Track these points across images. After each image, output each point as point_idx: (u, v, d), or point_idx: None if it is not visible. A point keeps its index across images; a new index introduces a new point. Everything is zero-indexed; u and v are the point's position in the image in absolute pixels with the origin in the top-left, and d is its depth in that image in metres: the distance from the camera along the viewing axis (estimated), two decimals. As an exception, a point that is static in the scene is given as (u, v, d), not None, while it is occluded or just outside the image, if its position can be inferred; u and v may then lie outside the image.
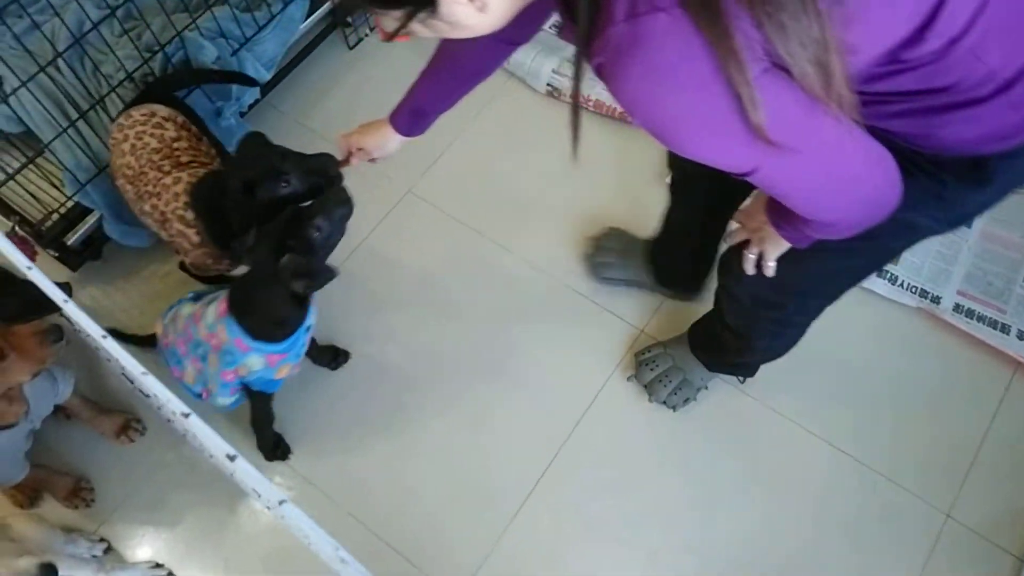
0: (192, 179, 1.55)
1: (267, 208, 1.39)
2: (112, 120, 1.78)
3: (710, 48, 0.70)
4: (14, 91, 1.69)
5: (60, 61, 1.79)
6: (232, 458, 0.69)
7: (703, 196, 1.52)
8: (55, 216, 1.83)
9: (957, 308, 1.82)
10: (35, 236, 1.80)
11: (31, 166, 1.80)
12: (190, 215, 1.53)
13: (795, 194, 0.90)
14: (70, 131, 1.76)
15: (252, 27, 1.97)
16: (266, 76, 2.04)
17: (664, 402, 1.74)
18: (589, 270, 1.92)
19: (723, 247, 1.50)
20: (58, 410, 1.70)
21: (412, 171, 2.11)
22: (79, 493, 1.73)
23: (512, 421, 1.78)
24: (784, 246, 1.13)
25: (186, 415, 0.73)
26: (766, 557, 1.61)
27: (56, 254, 1.87)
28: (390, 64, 2.29)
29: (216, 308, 1.43)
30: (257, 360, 1.43)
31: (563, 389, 1.80)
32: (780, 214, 1.06)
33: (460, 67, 1.33)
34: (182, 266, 1.79)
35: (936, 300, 1.83)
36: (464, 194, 2.08)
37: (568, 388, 1.81)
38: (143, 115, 1.63)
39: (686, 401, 1.74)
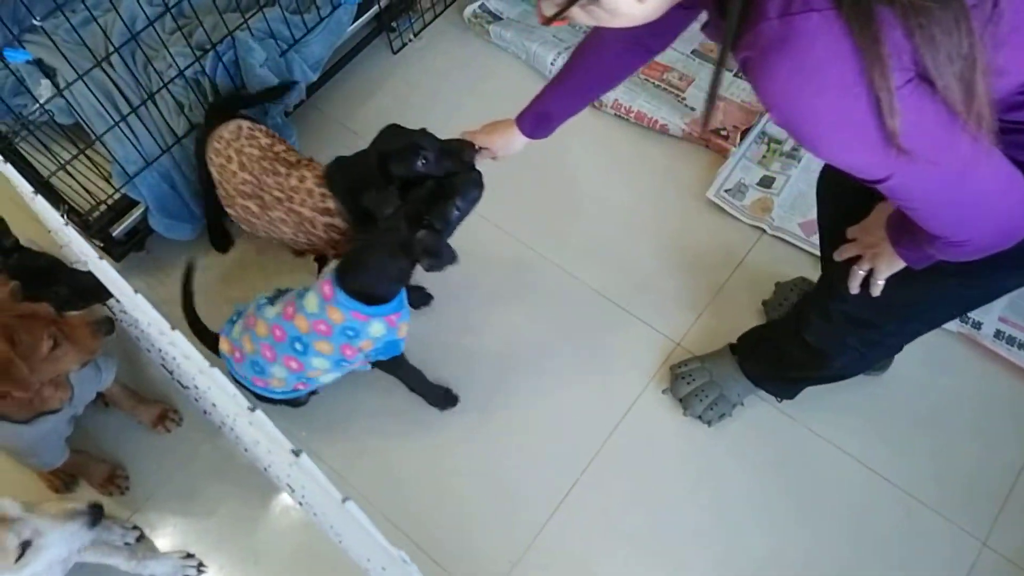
0: (315, 172, 1.59)
1: (402, 184, 1.46)
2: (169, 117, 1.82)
3: (858, 52, 0.72)
4: (69, 85, 1.73)
5: (114, 55, 1.83)
6: (297, 453, 0.69)
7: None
8: (102, 207, 1.86)
9: (998, 335, 1.79)
10: (82, 226, 1.83)
11: (81, 157, 1.83)
12: (332, 203, 1.56)
13: (926, 207, 0.90)
14: (121, 124, 1.79)
15: (301, 29, 2.00)
16: (312, 77, 2.07)
17: (699, 416, 1.73)
18: (766, 319, 1.85)
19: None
20: (98, 397, 1.73)
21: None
22: (114, 480, 1.75)
23: (546, 429, 1.78)
24: (898, 265, 1.11)
25: (252, 409, 0.73)
26: (797, 578, 1.60)
27: (101, 244, 1.90)
28: (433, 70, 2.31)
29: (317, 295, 1.45)
30: (378, 326, 1.46)
31: (598, 399, 1.80)
32: (902, 230, 1.04)
33: (592, 74, 1.36)
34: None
35: (977, 326, 1.80)
36: (503, 198, 2.08)
37: (603, 399, 1.80)
38: (231, 132, 1.66)
39: (721, 417, 1.73)
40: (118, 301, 1.52)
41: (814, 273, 1.87)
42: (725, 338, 1.75)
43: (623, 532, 1.66)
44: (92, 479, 1.75)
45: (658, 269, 1.96)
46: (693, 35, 2.26)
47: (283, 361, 1.52)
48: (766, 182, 2.03)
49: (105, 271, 0.97)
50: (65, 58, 1.73)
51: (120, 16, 1.81)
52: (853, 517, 1.65)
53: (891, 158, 0.78)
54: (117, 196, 1.88)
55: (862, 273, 1.19)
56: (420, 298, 1.91)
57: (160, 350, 1.61)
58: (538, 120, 1.44)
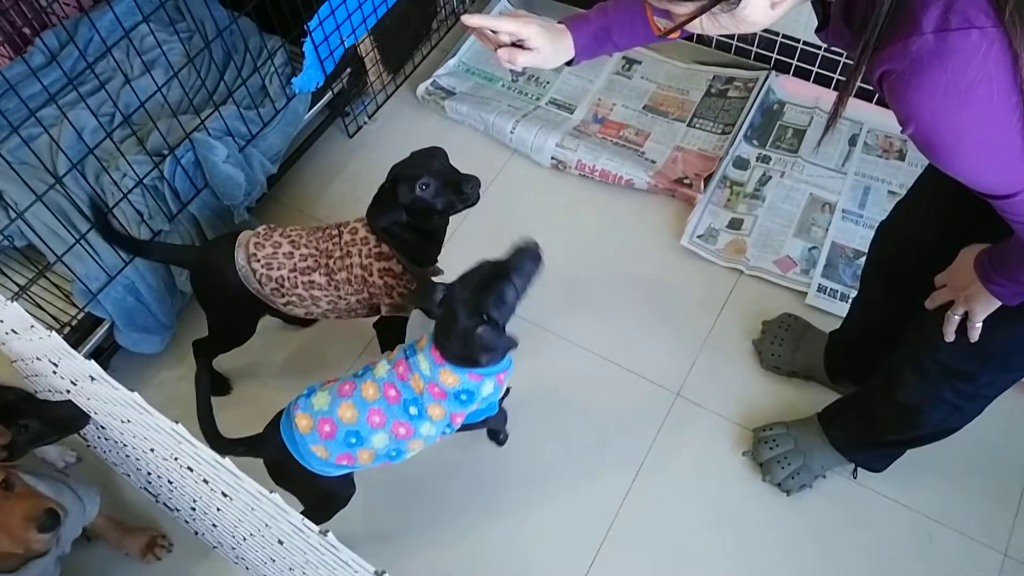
0: (360, 221, 1.58)
1: (409, 211, 1.49)
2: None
3: (1016, 60, 0.71)
4: (25, 209, 1.64)
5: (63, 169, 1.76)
6: (380, 574, 0.63)
7: (903, 285, 1.39)
8: (66, 329, 1.76)
9: None
10: (46, 351, 1.73)
11: (39, 279, 1.74)
12: (384, 248, 1.55)
13: None
14: (81, 242, 1.71)
15: (257, 123, 1.97)
16: (272, 169, 2.03)
17: (779, 484, 1.68)
18: (758, 357, 1.86)
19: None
20: (81, 532, 1.60)
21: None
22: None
23: (555, 501, 1.72)
24: (993, 304, 1.08)
25: (324, 533, 0.68)
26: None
27: (68, 368, 1.80)
28: (392, 147, 2.27)
29: (428, 356, 1.36)
30: (490, 384, 1.38)
31: (604, 463, 1.76)
32: (994, 265, 1.03)
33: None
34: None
35: None
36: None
37: (610, 461, 1.76)
38: (258, 232, 1.62)
39: (802, 487, 1.67)
40: (102, 428, 1.43)
41: (796, 308, 1.91)
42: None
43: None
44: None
45: (644, 322, 1.96)
46: (641, 92, 2.33)
47: (392, 427, 1.39)
48: (735, 224, 2.07)
49: (103, 390, 0.89)
50: (16, 173, 1.65)
51: (72, 125, 1.75)
52: (873, 545, 1.63)
53: None
54: (80, 316, 1.78)
55: (957, 318, 1.16)
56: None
57: (149, 473, 1.51)
58: (594, 39, 1.19)
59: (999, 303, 1.08)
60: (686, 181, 2.12)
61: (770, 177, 2.14)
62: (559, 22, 1.19)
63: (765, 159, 2.17)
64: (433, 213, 1.52)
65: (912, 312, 1.29)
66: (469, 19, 1.12)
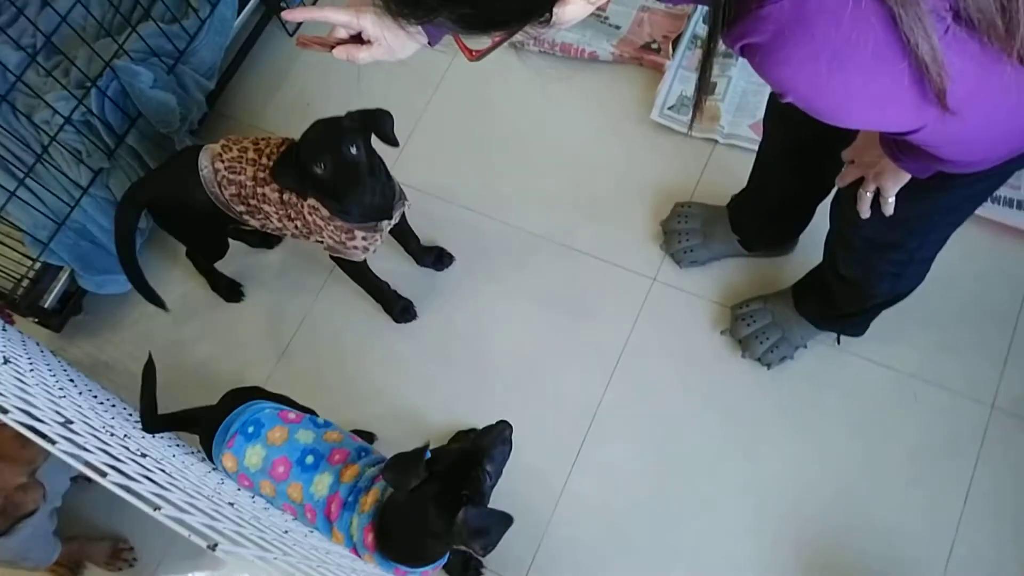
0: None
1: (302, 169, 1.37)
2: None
3: (893, 16, 0.63)
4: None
5: (-9, 119, 1.67)
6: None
7: (797, 138, 1.35)
8: (25, 282, 1.73)
9: (994, 199, 1.72)
10: (10, 306, 1.71)
11: (-14, 235, 1.70)
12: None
13: (949, 147, 0.83)
14: (19, 191, 1.65)
15: (183, 38, 1.83)
16: (210, 86, 1.92)
17: (759, 359, 1.66)
18: (673, 259, 1.79)
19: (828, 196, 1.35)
20: (76, 478, 1.65)
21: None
22: (119, 555, 1.70)
23: (541, 395, 1.73)
24: (904, 179, 1.04)
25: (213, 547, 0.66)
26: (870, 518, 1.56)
27: (36, 319, 1.79)
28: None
29: (361, 534, 1.23)
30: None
31: (588, 353, 1.75)
32: (902, 147, 0.96)
33: None
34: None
35: (1011, 203, 1.72)
36: (437, 164, 1.97)
37: (593, 351, 1.75)
38: (235, 137, 1.56)
39: (782, 359, 1.65)
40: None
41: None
42: (783, 275, 1.68)
43: (650, 458, 1.65)
44: (96, 559, 1.69)
45: (616, 206, 1.87)
46: (600, -54, 2.11)
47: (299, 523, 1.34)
48: (708, 89, 1.93)
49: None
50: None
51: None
52: (928, 445, 1.60)
53: (928, 114, 0.71)
54: (37, 266, 1.75)
55: (869, 195, 1.11)
56: (437, 258, 1.86)
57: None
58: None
59: (909, 176, 1.02)
60: (653, 46, 1.96)
61: (744, 30, 1.97)
62: None
63: (738, 10, 1.99)
64: (333, 189, 1.39)
65: (817, 176, 1.26)
66: (290, 15, 0.97)
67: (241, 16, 1.98)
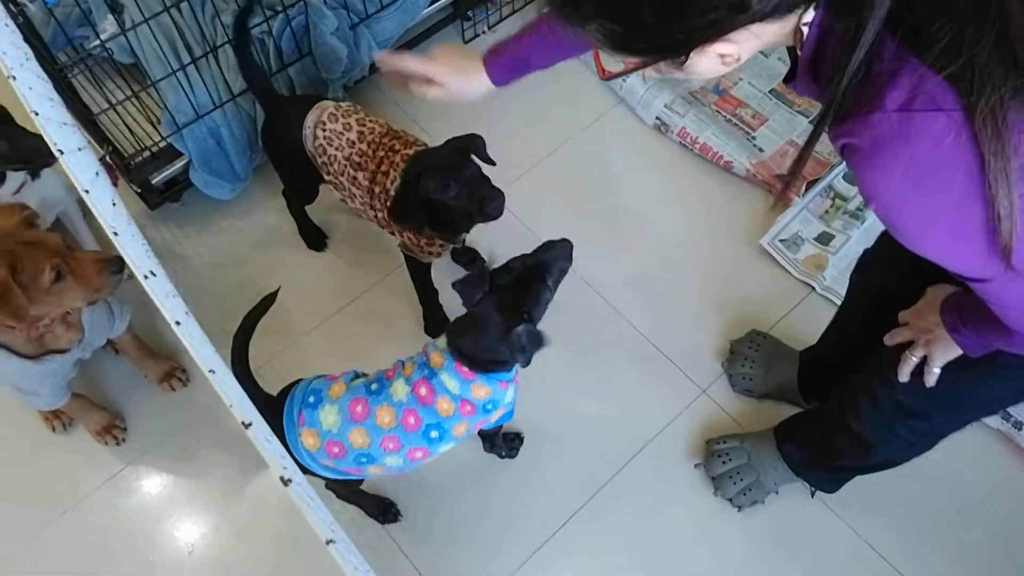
0: (422, 147, 1.56)
1: (424, 203, 1.43)
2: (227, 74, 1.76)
3: (983, 160, 0.66)
4: (135, 26, 1.69)
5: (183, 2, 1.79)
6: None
7: (878, 284, 1.35)
8: (146, 153, 1.83)
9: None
10: (123, 169, 1.80)
11: (133, 99, 1.80)
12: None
13: (1014, 311, 0.84)
14: (179, 73, 1.76)
15: (375, 4, 1.95)
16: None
17: (730, 499, 1.63)
18: (730, 380, 1.78)
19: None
20: (108, 343, 1.70)
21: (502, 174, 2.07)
22: (111, 431, 1.72)
23: (553, 454, 1.71)
24: (954, 352, 1.04)
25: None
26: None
27: (139, 190, 1.87)
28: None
29: (454, 373, 1.28)
30: (512, 389, 1.35)
31: (614, 432, 1.73)
32: (961, 316, 0.97)
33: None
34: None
35: (1018, 426, 1.70)
36: (548, 211, 2.02)
37: (619, 432, 1.73)
38: (347, 106, 1.62)
39: (753, 504, 1.62)
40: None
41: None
42: (768, 417, 1.66)
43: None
44: (90, 425, 1.72)
45: (696, 311, 1.88)
46: (773, 73, 2.18)
47: (407, 453, 1.31)
48: (824, 239, 1.94)
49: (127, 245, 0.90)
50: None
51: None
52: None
53: (994, 266, 0.72)
54: (163, 144, 1.84)
55: (915, 360, 1.11)
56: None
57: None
58: (511, 69, 1.24)
59: (960, 351, 1.01)
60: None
61: (878, 200, 1.98)
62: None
63: (880, 180, 2.01)
64: (451, 216, 1.45)
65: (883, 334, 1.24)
66: (380, 58, 1.30)
67: (432, 8, 2.10)
